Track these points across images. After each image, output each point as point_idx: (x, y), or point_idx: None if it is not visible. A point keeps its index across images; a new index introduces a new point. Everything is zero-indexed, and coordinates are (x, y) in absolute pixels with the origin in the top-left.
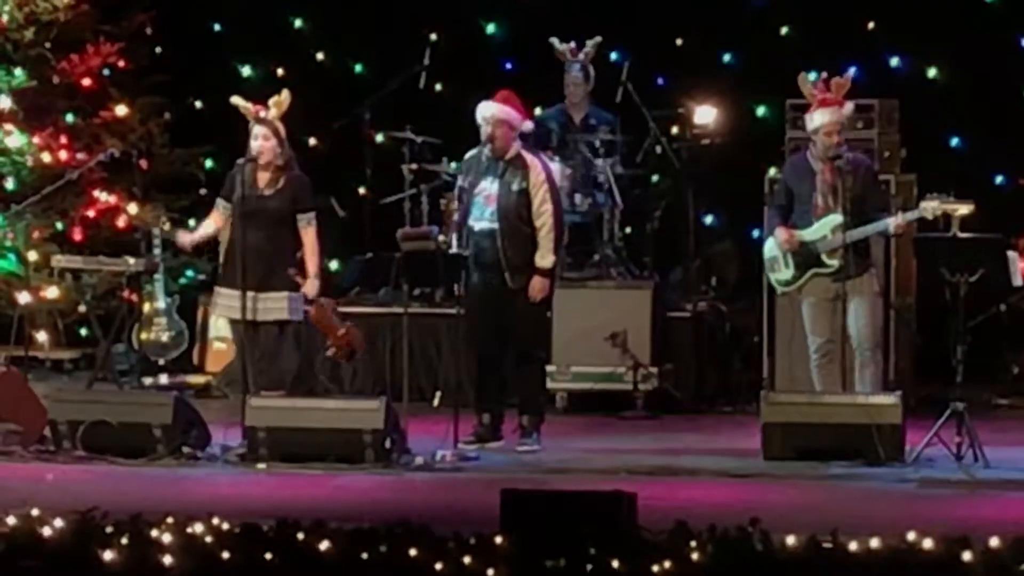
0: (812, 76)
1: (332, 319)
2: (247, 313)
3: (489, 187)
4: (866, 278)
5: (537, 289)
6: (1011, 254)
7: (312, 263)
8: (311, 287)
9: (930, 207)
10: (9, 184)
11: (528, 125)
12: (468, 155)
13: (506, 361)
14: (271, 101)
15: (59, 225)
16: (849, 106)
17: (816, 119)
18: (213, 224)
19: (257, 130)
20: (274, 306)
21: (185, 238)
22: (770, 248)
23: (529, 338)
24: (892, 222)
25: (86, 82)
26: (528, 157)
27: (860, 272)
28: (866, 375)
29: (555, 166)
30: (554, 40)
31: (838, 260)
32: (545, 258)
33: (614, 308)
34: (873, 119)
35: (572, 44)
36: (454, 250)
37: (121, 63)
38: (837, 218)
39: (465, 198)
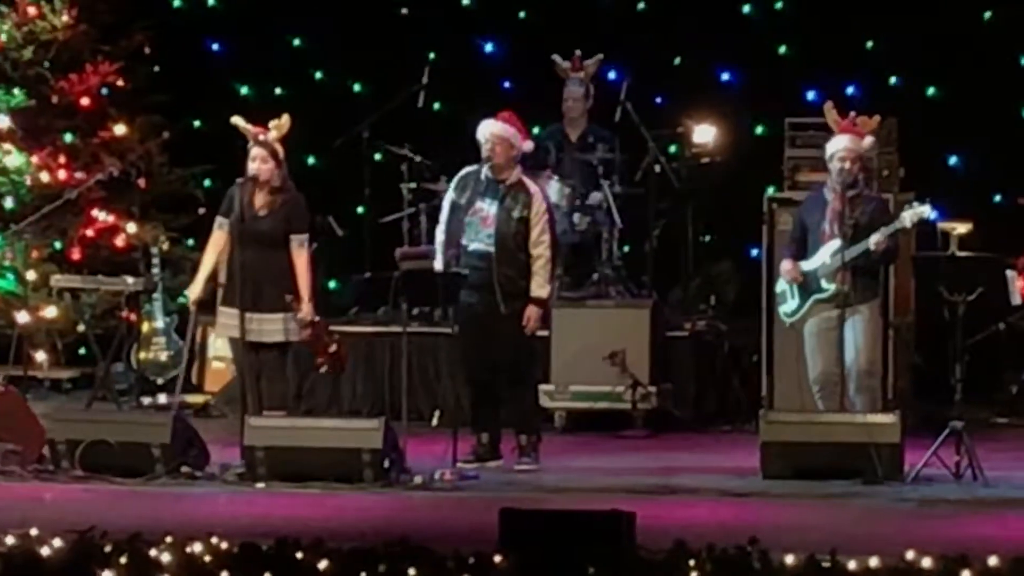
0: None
1: (325, 338)
2: (248, 333)
3: (487, 209)
4: (867, 308)
5: (532, 319)
6: (1009, 273)
7: (305, 285)
8: (306, 311)
9: (907, 216)
10: (8, 204)
11: (528, 146)
12: (465, 171)
13: (499, 382)
14: (272, 124)
15: (58, 244)
16: (869, 139)
17: (833, 144)
18: (213, 251)
19: (256, 152)
20: (273, 328)
21: (195, 289)
22: (780, 282)
23: (520, 361)
24: (873, 239)
25: (85, 101)
26: (530, 185)
27: (863, 300)
28: (858, 403)
29: (554, 185)
30: (556, 57)
31: (836, 284)
32: (542, 287)
33: (613, 327)
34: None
35: (578, 53)
36: (439, 266)
37: (120, 82)
38: (836, 243)
39: (458, 215)
